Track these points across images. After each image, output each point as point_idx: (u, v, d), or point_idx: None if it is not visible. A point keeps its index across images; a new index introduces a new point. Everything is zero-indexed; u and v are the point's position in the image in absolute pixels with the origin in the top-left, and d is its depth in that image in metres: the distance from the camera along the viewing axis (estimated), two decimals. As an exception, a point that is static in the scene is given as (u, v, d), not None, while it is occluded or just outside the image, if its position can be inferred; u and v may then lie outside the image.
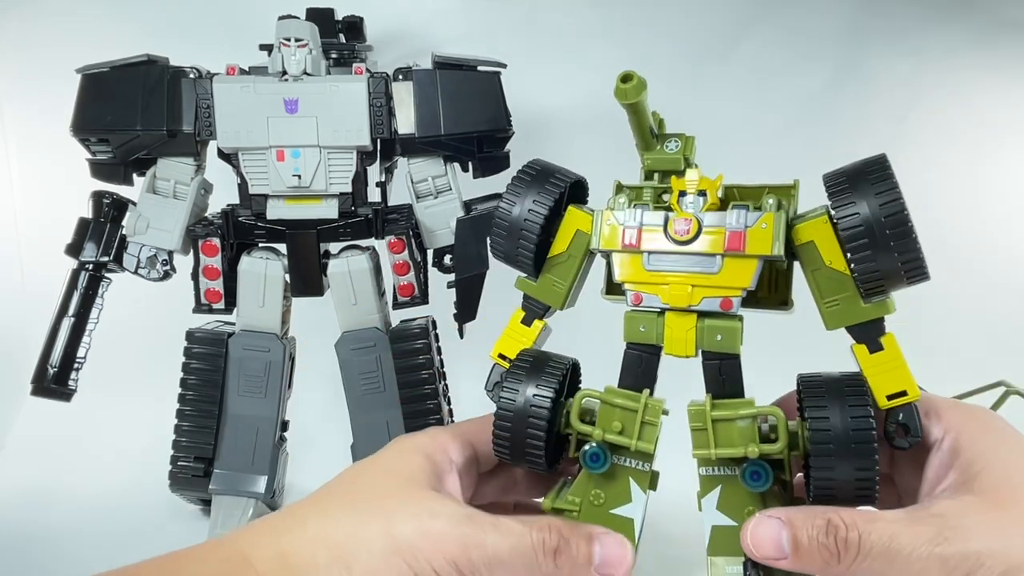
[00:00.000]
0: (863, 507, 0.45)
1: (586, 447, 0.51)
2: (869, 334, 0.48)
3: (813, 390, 0.47)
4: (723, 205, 0.51)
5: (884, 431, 0.48)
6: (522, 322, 0.57)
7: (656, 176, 0.54)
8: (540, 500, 0.54)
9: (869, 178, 0.46)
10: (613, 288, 0.57)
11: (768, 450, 0.48)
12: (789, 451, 0.48)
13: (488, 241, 0.57)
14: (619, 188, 0.55)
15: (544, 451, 0.51)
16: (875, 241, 0.45)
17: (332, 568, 0.43)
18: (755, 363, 0.54)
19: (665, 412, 0.52)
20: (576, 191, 0.57)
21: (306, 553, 0.43)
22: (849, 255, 0.46)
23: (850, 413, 0.45)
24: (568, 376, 0.54)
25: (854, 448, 0.45)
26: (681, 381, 0.54)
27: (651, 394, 0.52)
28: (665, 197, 0.53)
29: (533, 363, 0.53)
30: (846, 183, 0.47)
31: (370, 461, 0.52)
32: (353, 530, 0.44)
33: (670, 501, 0.57)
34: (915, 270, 0.45)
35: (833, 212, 0.47)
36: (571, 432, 0.53)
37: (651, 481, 0.53)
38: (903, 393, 0.47)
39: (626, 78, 0.48)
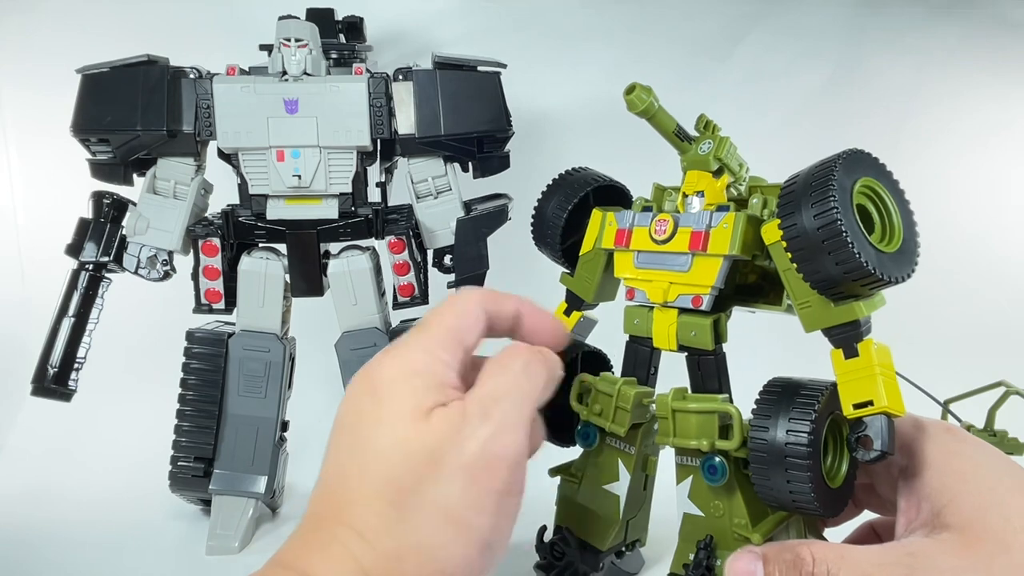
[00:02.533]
0: (835, 541, 0.45)
1: (579, 425, 0.58)
2: (843, 338, 0.47)
3: (766, 398, 0.47)
4: (746, 204, 0.52)
5: (846, 442, 0.47)
6: (564, 313, 0.62)
7: None
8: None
9: (811, 186, 0.45)
10: None
11: (722, 446, 0.49)
12: (742, 448, 0.49)
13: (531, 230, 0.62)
14: (657, 189, 0.57)
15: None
16: (813, 250, 0.45)
17: None
18: (760, 363, 0.54)
19: (652, 402, 0.54)
20: (615, 195, 0.61)
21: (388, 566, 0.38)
22: (793, 263, 0.46)
23: (788, 427, 0.45)
24: (578, 361, 0.59)
25: (788, 461, 0.45)
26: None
27: (650, 383, 0.56)
28: None
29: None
30: (792, 194, 0.46)
31: (395, 440, 0.41)
32: (431, 537, 0.39)
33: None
34: (862, 276, 0.44)
35: (779, 224, 0.47)
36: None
37: (645, 466, 0.57)
38: (870, 403, 0.45)
39: (628, 90, 0.50)
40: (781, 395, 0.47)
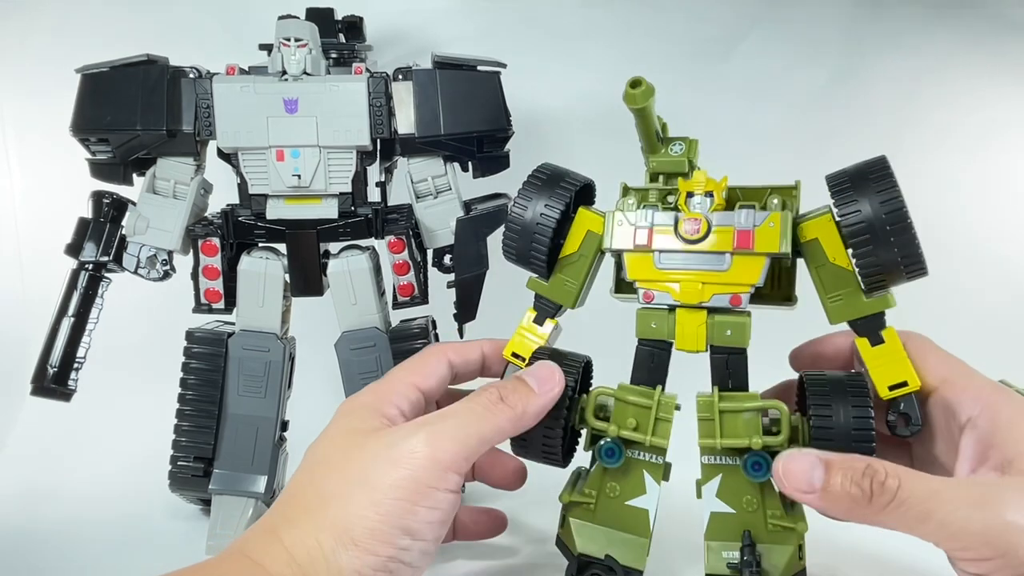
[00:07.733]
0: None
1: (601, 443, 0.54)
2: (871, 328, 0.50)
3: (818, 388, 0.49)
4: (727, 206, 0.53)
5: (886, 421, 0.50)
6: (534, 321, 0.59)
7: (661, 178, 0.56)
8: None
9: (870, 177, 0.48)
10: (622, 287, 0.60)
11: (771, 442, 0.50)
12: (789, 444, 0.50)
13: (502, 242, 0.58)
14: (625, 190, 0.57)
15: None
16: (876, 237, 0.47)
17: (337, 548, 0.45)
18: (756, 357, 0.54)
19: (678, 407, 0.54)
20: (584, 193, 0.59)
21: (310, 542, 0.46)
22: (852, 251, 0.48)
23: (853, 412, 0.47)
24: (582, 371, 0.56)
25: (855, 445, 0.47)
26: (687, 375, 0.56)
27: (663, 389, 0.54)
28: (670, 199, 0.55)
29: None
30: (848, 183, 0.48)
31: (326, 448, 0.52)
32: (343, 506, 0.47)
33: (682, 491, 0.57)
34: (914, 265, 0.47)
35: (836, 211, 0.49)
36: (584, 427, 0.56)
37: (664, 473, 0.56)
38: (904, 384, 0.49)
39: (635, 83, 0.50)
40: (832, 386, 0.49)
